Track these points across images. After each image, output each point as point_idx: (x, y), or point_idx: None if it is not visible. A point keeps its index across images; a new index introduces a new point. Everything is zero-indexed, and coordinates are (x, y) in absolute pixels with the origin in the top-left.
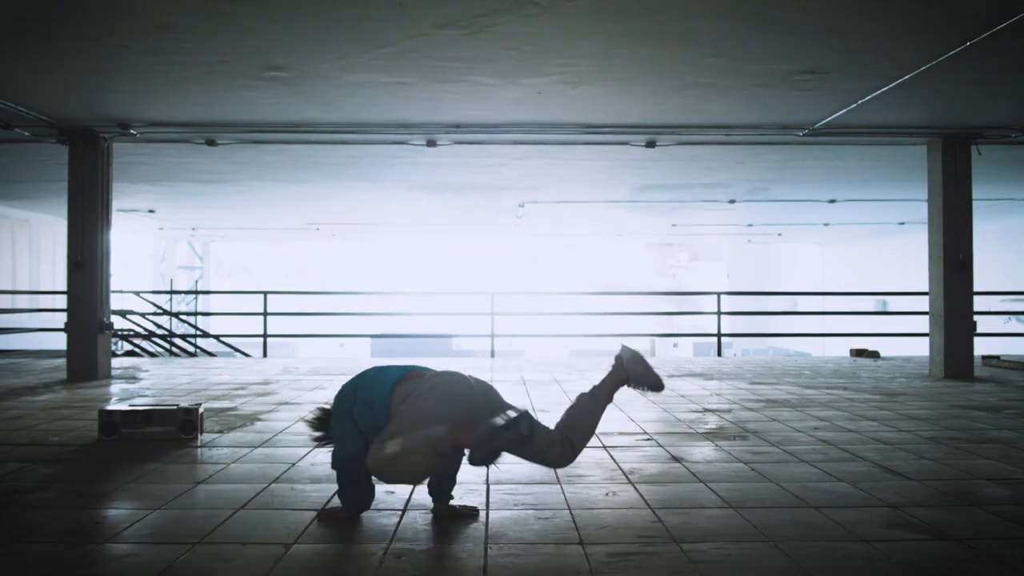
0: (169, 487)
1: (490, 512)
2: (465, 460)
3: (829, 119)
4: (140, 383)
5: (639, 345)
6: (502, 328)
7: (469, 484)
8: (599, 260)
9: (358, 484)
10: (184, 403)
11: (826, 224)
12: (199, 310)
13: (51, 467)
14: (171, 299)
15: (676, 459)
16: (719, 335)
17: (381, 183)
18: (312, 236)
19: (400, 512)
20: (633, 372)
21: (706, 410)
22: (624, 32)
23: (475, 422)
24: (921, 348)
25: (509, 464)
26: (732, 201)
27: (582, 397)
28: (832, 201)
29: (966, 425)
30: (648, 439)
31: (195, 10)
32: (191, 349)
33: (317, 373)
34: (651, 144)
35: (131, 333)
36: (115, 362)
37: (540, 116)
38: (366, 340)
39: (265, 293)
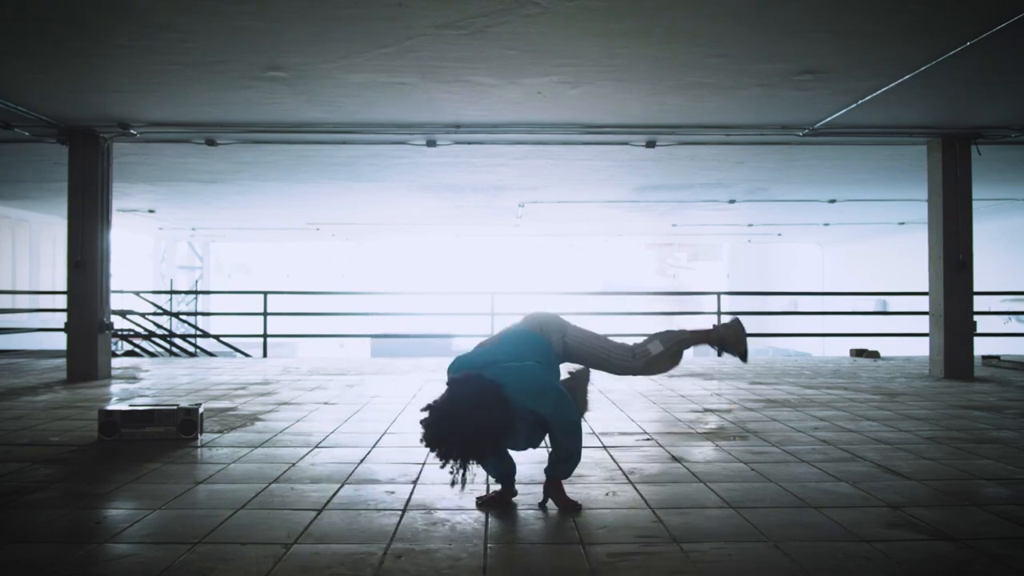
0: (169, 487)
1: (490, 512)
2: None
3: (829, 119)
4: (140, 383)
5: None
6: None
7: (469, 484)
8: (599, 260)
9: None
10: (184, 403)
11: (826, 224)
12: (199, 310)
13: (51, 467)
14: (171, 299)
15: (676, 459)
16: None
17: (381, 183)
18: (312, 236)
19: (400, 512)
20: (721, 332)
21: (706, 410)
22: (624, 32)
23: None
24: (921, 348)
25: None
26: (732, 201)
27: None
28: (832, 201)
29: (966, 425)
30: (648, 439)
31: (195, 10)
32: (191, 349)
33: (317, 373)
34: (651, 144)
35: (131, 333)
36: (115, 362)
37: (540, 116)
38: (366, 340)
39: (265, 293)
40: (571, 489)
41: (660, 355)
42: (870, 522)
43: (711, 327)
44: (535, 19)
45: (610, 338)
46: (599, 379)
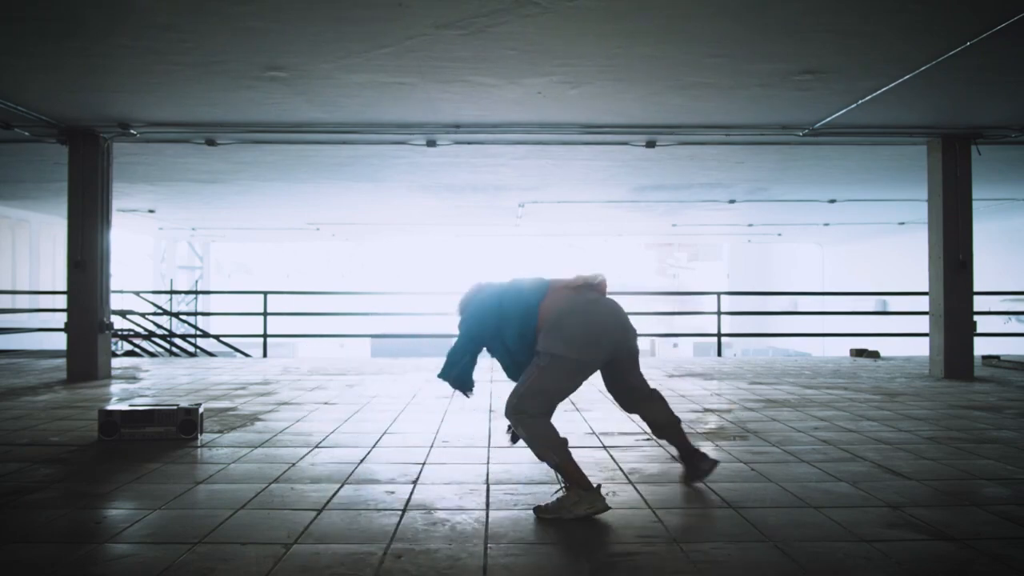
0: (169, 487)
1: (490, 512)
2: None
3: (829, 119)
4: (140, 383)
5: (641, 345)
6: None
7: (470, 484)
8: (599, 260)
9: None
10: (184, 403)
11: (826, 224)
12: (199, 310)
13: (51, 467)
14: (171, 299)
15: (676, 459)
16: (719, 335)
17: (381, 183)
18: (312, 236)
19: (400, 512)
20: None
21: (706, 410)
22: (624, 32)
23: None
24: (921, 348)
25: (509, 464)
26: (732, 201)
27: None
28: (832, 201)
29: (966, 425)
30: (648, 439)
31: (195, 10)
32: (191, 349)
33: (317, 373)
34: (651, 144)
35: (131, 333)
36: (115, 362)
37: (540, 116)
38: (366, 340)
39: (265, 293)
40: None
41: (526, 436)
42: (870, 522)
43: (576, 483)
44: (535, 19)
45: (537, 387)
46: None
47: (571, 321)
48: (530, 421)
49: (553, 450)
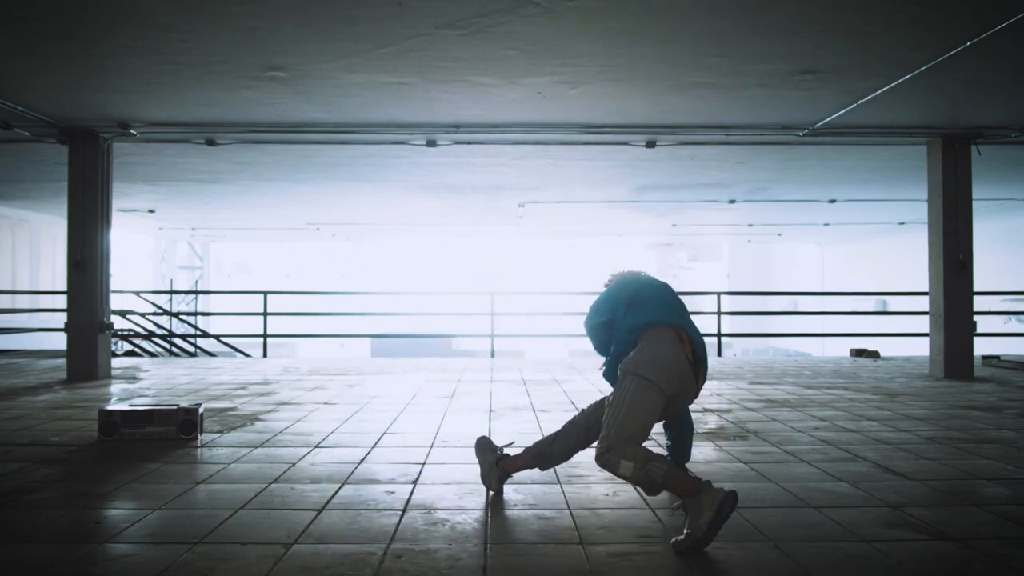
0: (169, 487)
1: (490, 512)
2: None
3: (829, 119)
4: (140, 383)
5: None
6: (502, 328)
7: (469, 484)
8: (599, 260)
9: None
10: (184, 403)
11: (826, 224)
12: (199, 310)
13: (51, 467)
14: (171, 299)
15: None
16: (719, 335)
17: (381, 183)
18: (312, 236)
19: (400, 512)
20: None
21: (706, 410)
22: (624, 32)
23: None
24: (921, 348)
25: None
26: (732, 201)
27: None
28: (832, 201)
29: (966, 425)
30: (648, 439)
31: (195, 10)
32: (191, 349)
33: (317, 373)
34: (651, 144)
35: (131, 333)
36: (115, 362)
37: (540, 116)
38: (366, 340)
39: (265, 293)
40: (571, 489)
41: (626, 474)
42: (870, 522)
43: (698, 485)
44: (535, 19)
45: (622, 417)
46: (596, 379)
47: (664, 352)
48: (614, 466)
49: (653, 471)
